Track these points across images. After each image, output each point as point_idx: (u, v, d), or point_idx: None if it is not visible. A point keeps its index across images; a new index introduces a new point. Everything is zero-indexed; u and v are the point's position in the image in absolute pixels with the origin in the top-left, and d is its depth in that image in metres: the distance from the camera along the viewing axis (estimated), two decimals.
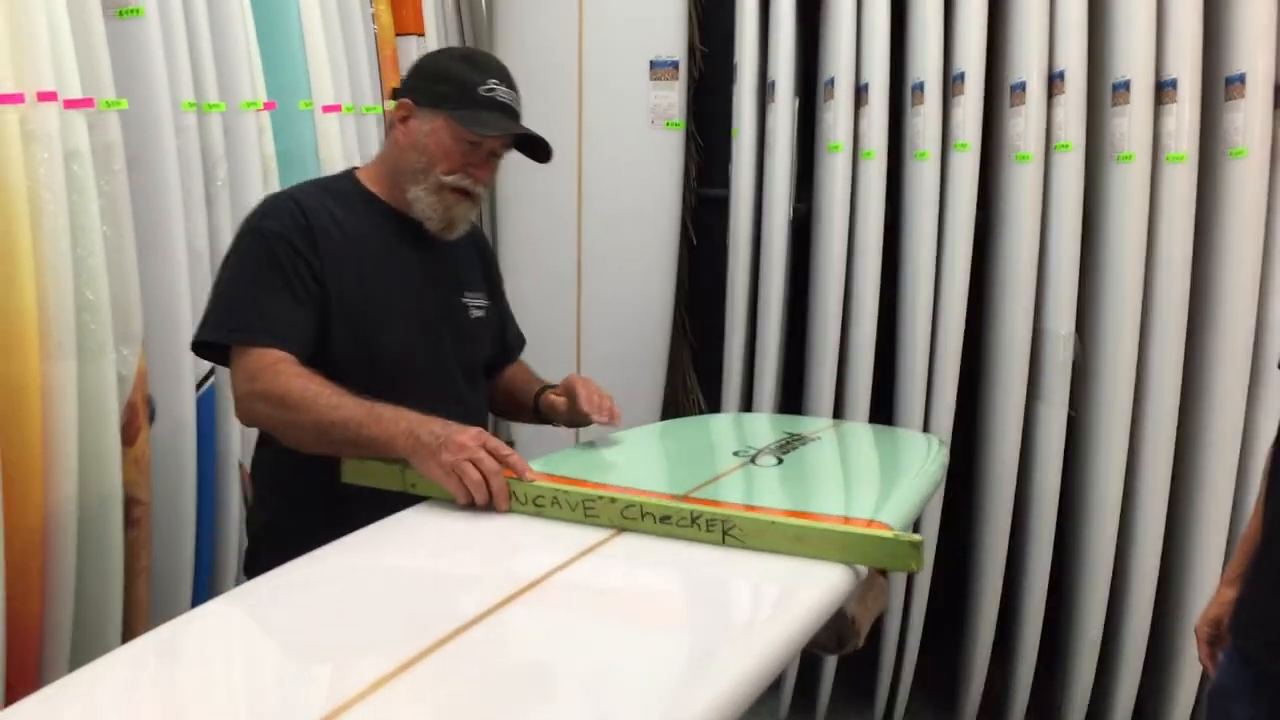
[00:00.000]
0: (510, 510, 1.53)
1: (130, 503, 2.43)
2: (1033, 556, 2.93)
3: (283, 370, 1.69)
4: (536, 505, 1.50)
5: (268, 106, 2.82)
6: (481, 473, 1.53)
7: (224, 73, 2.69)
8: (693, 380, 3.69)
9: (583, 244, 3.40)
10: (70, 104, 2.27)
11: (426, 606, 1.27)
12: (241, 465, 2.72)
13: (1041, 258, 2.84)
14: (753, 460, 1.84)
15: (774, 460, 1.86)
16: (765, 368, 3.04)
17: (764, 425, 2.28)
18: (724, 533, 1.40)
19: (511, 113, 1.86)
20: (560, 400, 2.01)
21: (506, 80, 1.87)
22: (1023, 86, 2.79)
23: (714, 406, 3.38)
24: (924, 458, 2.03)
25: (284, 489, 1.91)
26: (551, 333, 3.27)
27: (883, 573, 1.51)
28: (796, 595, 1.31)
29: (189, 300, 2.57)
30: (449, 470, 1.53)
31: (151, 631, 1.18)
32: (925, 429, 2.94)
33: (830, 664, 3.13)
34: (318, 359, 1.76)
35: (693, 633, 1.27)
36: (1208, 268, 2.73)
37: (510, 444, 3.61)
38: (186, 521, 2.62)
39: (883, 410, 3.03)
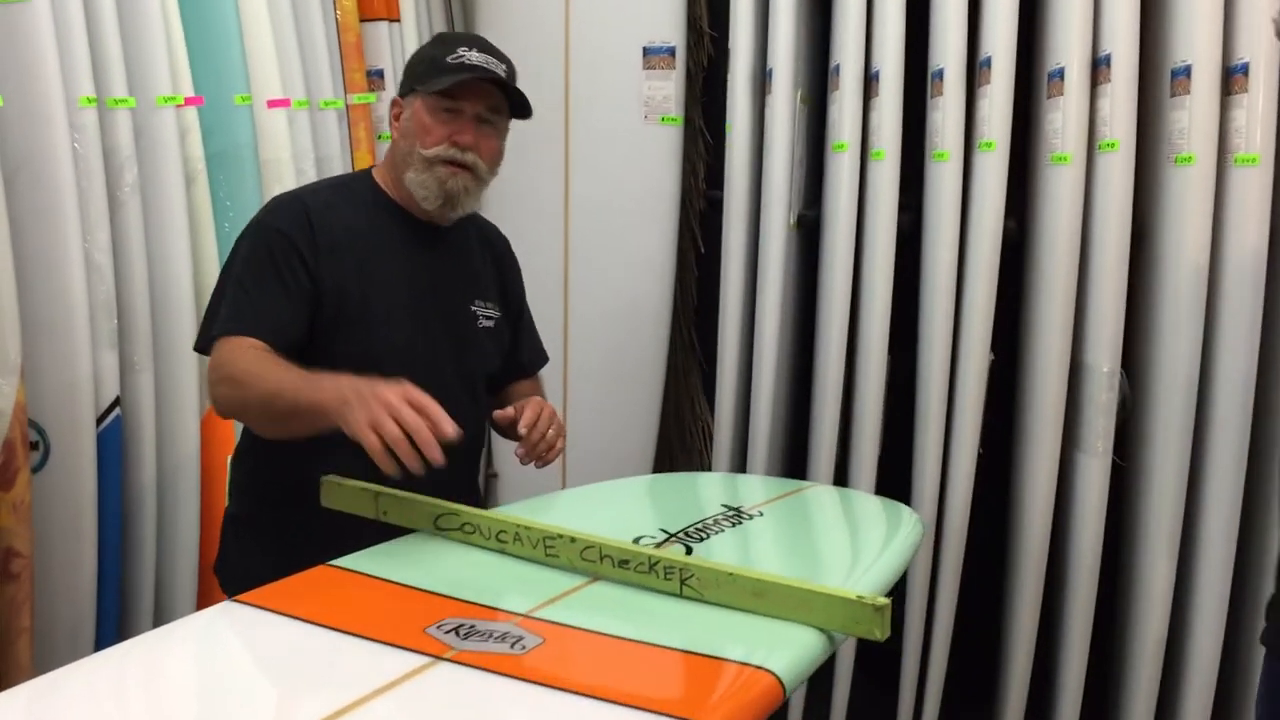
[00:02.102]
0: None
1: (8, 554, 2.18)
2: (1069, 634, 2.48)
3: (239, 349, 1.67)
4: (499, 540, 1.45)
5: (190, 102, 2.51)
6: (404, 431, 1.44)
7: (134, 64, 2.41)
8: (702, 405, 3.30)
9: (569, 252, 3.04)
10: None
11: None
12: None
13: (1081, 278, 2.39)
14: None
15: (681, 550, 1.48)
16: (760, 405, 2.63)
17: (702, 493, 1.88)
18: (681, 582, 1.32)
19: (484, 73, 1.80)
20: (505, 416, 1.85)
21: (481, 46, 1.84)
22: (1061, 74, 2.34)
23: None
24: (891, 538, 1.63)
25: (257, 483, 1.91)
26: None
27: None
28: None
29: (86, 320, 2.29)
30: (368, 426, 1.44)
31: None
32: (943, 476, 2.52)
33: None
34: (311, 357, 1.71)
35: None
36: None
37: (493, 476, 3.33)
38: (85, 573, 2.34)
39: (897, 456, 2.61)
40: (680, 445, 3.32)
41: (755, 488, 2.00)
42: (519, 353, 2.06)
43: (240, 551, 1.93)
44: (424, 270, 1.86)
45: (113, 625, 2.43)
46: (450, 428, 1.44)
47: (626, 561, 1.35)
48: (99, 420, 2.34)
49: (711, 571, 1.30)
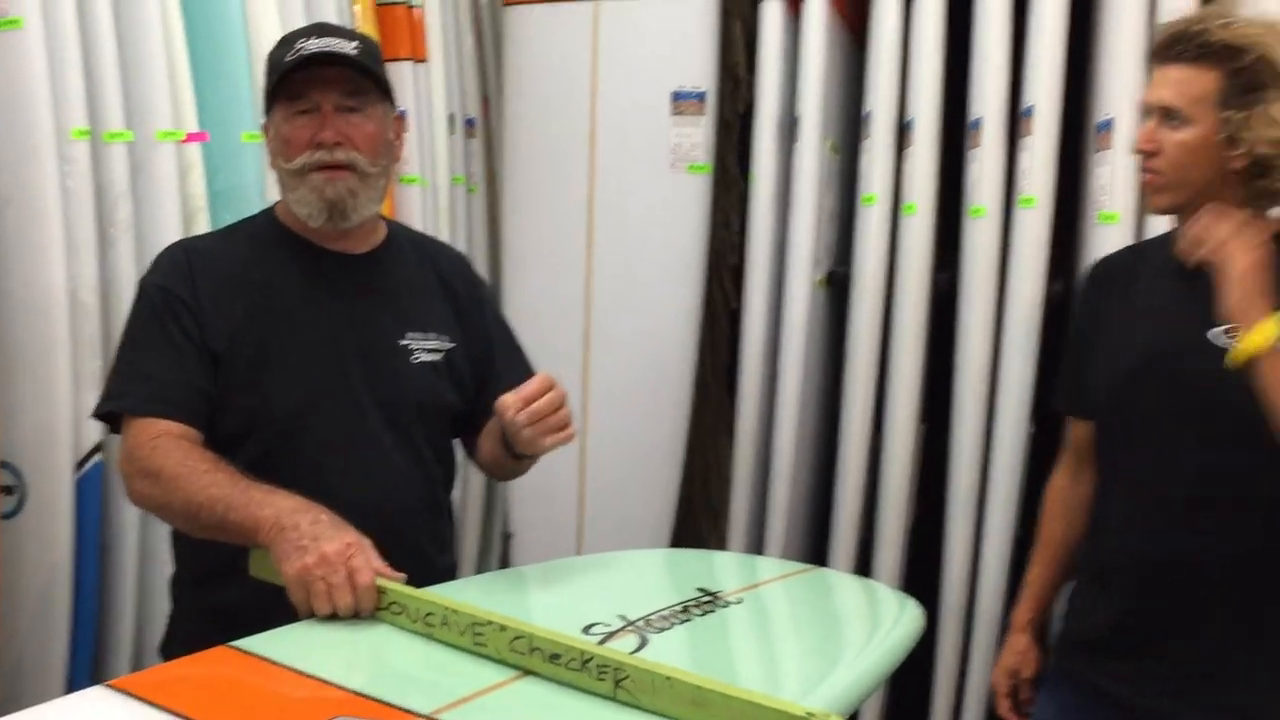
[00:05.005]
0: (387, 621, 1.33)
1: None
2: None
3: (161, 445, 1.52)
4: (426, 624, 1.30)
5: (193, 138, 2.42)
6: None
7: (133, 97, 2.32)
8: (731, 469, 3.12)
9: (590, 303, 2.89)
10: None
11: None
12: None
13: None
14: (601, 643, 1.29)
15: (634, 641, 1.31)
16: (778, 477, 2.46)
17: (682, 574, 1.70)
18: (615, 683, 1.14)
19: (325, 57, 1.60)
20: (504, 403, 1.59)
21: (322, 31, 1.65)
22: (1109, 125, 2.16)
23: None
24: (878, 636, 1.45)
25: (193, 560, 1.70)
26: None
27: None
28: None
29: (68, 360, 2.19)
30: (298, 580, 1.32)
31: None
32: (975, 559, 2.32)
33: None
34: (215, 422, 1.60)
35: None
36: None
37: (508, 537, 3.17)
38: (58, 626, 2.22)
39: (928, 537, 2.42)
40: (705, 510, 3.14)
41: (748, 569, 1.82)
42: (498, 382, 1.75)
43: (189, 633, 1.68)
44: (337, 305, 1.67)
45: (84, 676, 2.31)
46: (369, 607, 1.33)
47: (558, 656, 1.18)
48: (79, 465, 2.24)
49: (647, 673, 1.12)
